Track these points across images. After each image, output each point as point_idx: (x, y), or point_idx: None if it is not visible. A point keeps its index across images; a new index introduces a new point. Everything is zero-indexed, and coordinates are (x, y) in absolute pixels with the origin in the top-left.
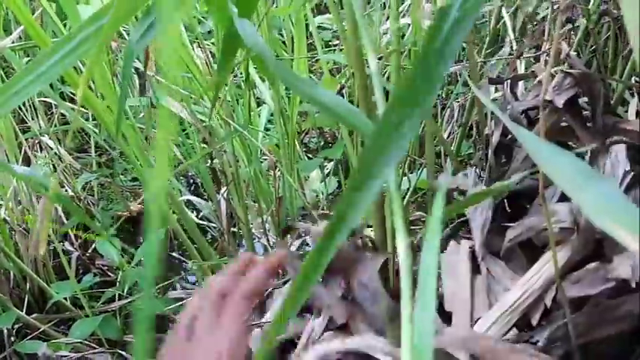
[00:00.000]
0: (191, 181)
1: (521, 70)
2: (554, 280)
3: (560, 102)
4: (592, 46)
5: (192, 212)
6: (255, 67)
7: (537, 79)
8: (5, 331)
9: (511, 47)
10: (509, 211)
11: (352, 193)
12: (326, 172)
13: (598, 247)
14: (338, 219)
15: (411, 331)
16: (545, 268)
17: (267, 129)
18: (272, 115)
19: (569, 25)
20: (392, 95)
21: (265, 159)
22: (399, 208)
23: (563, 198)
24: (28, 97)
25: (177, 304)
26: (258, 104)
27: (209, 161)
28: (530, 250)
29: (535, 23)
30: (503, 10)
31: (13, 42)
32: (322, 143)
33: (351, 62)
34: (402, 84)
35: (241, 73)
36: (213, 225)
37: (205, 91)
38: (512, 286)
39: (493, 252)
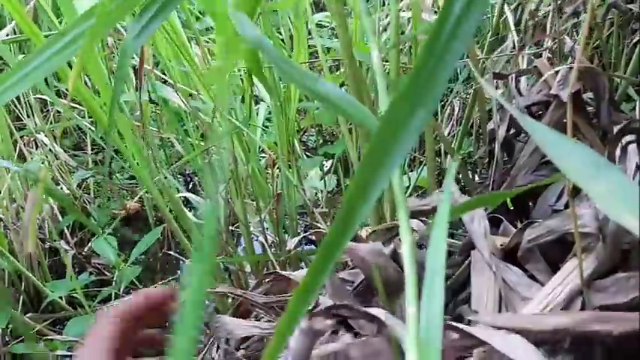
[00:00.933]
0: (188, 179)
1: (523, 66)
2: (579, 291)
3: (565, 96)
4: (595, 42)
5: (190, 210)
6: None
7: (543, 77)
8: None
9: (513, 44)
10: (512, 208)
11: (358, 191)
12: (325, 169)
13: (625, 258)
14: (345, 216)
15: (417, 328)
16: (568, 278)
17: (265, 126)
18: (270, 112)
19: (574, 20)
20: (397, 89)
21: (263, 156)
22: (402, 206)
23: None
24: (15, 95)
25: None
26: (257, 102)
27: (208, 158)
28: (550, 255)
29: (536, 19)
30: (505, 6)
31: (7, 35)
32: (321, 141)
33: (344, 56)
34: (408, 76)
35: (239, 70)
36: None
37: (205, 89)
38: (531, 296)
39: (504, 254)
